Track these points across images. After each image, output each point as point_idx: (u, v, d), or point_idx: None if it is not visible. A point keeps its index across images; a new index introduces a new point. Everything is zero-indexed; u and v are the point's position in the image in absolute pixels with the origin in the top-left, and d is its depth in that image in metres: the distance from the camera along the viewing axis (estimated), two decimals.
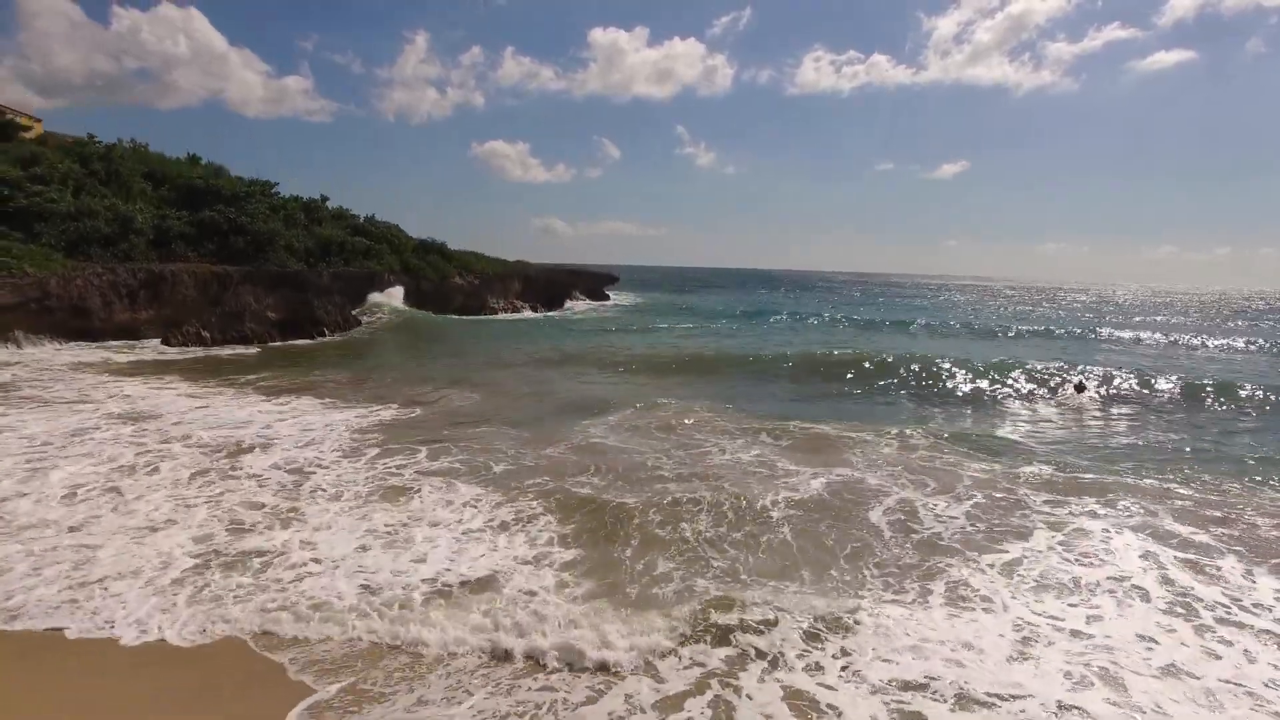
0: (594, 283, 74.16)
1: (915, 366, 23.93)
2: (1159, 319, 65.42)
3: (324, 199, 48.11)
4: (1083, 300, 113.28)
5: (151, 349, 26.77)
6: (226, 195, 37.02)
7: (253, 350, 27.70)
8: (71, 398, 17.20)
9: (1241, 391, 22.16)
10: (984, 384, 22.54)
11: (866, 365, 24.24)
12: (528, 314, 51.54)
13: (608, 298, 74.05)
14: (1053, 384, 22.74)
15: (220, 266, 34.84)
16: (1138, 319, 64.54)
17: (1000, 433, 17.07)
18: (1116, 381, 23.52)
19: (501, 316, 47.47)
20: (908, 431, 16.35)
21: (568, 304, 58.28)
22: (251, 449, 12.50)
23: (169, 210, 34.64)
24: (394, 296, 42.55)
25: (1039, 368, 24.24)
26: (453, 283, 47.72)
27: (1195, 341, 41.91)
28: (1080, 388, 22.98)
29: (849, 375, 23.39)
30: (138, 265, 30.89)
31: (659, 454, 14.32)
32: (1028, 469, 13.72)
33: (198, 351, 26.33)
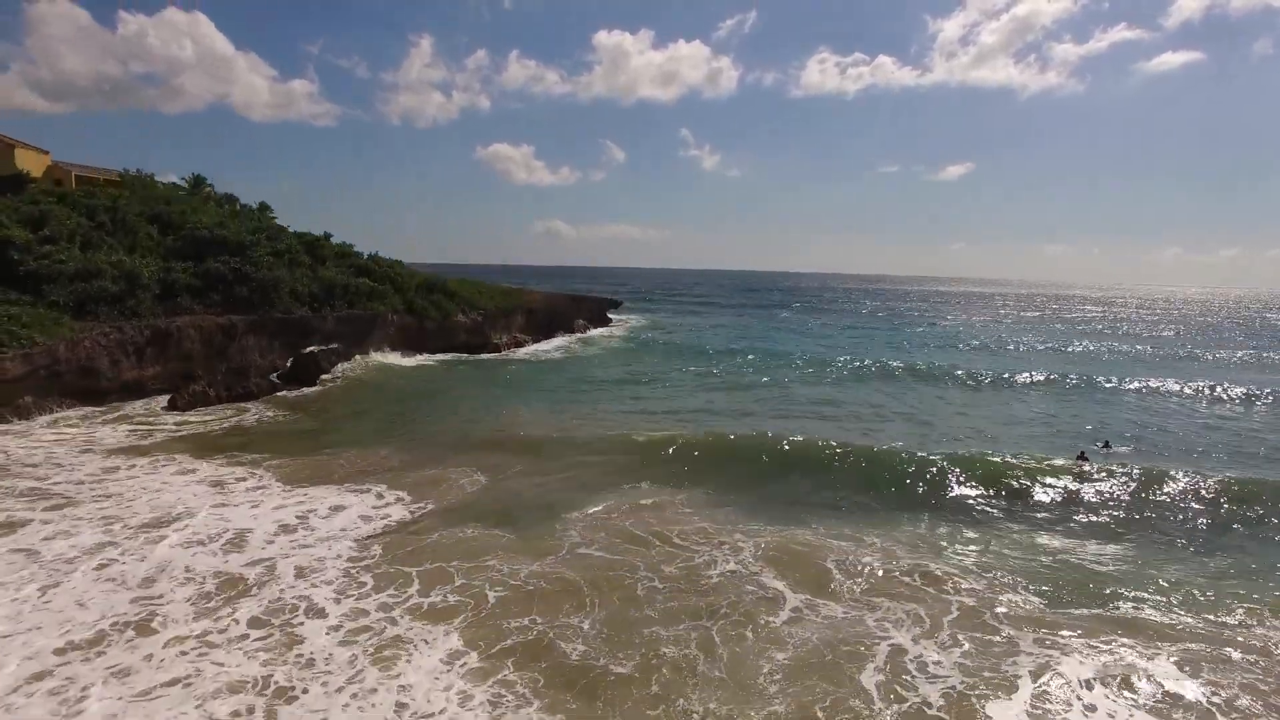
0: (596, 308, 74.48)
1: (914, 465, 21.33)
2: (1179, 351, 60.83)
3: (327, 236, 48.53)
4: (1097, 317, 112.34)
5: (159, 412, 27.06)
6: (232, 244, 37.32)
7: (261, 413, 27.91)
8: (90, 495, 17.68)
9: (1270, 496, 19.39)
10: (980, 483, 20.29)
11: (864, 462, 21.84)
12: (530, 347, 51.79)
13: (610, 321, 74.47)
14: (1050, 479, 20.55)
15: (225, 317, 35.17)
16: (1158, 352, 59.90)
17: (991, 543, 16.67)
18: (1128, 464, 21.61)
19: (503, 356, 47.60)
20: (895, 545, 16.32)
21: (570, 335, 58.36)
22: (249, 589, 12.66)
23: (174, 263, 34.95)
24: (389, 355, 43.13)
25: (1039, 460, 21.88)
26: (456, 321, 47.97)
27: (1226, 395, 37.39)
28: (1083, 457, 22.71)
29: (846, 468, 21.47)
30: (144, 322, 31.21)
31: (648, 572, 14.49)
32: (1016, 597, 13.73)
33: (206, 418, 26.52)
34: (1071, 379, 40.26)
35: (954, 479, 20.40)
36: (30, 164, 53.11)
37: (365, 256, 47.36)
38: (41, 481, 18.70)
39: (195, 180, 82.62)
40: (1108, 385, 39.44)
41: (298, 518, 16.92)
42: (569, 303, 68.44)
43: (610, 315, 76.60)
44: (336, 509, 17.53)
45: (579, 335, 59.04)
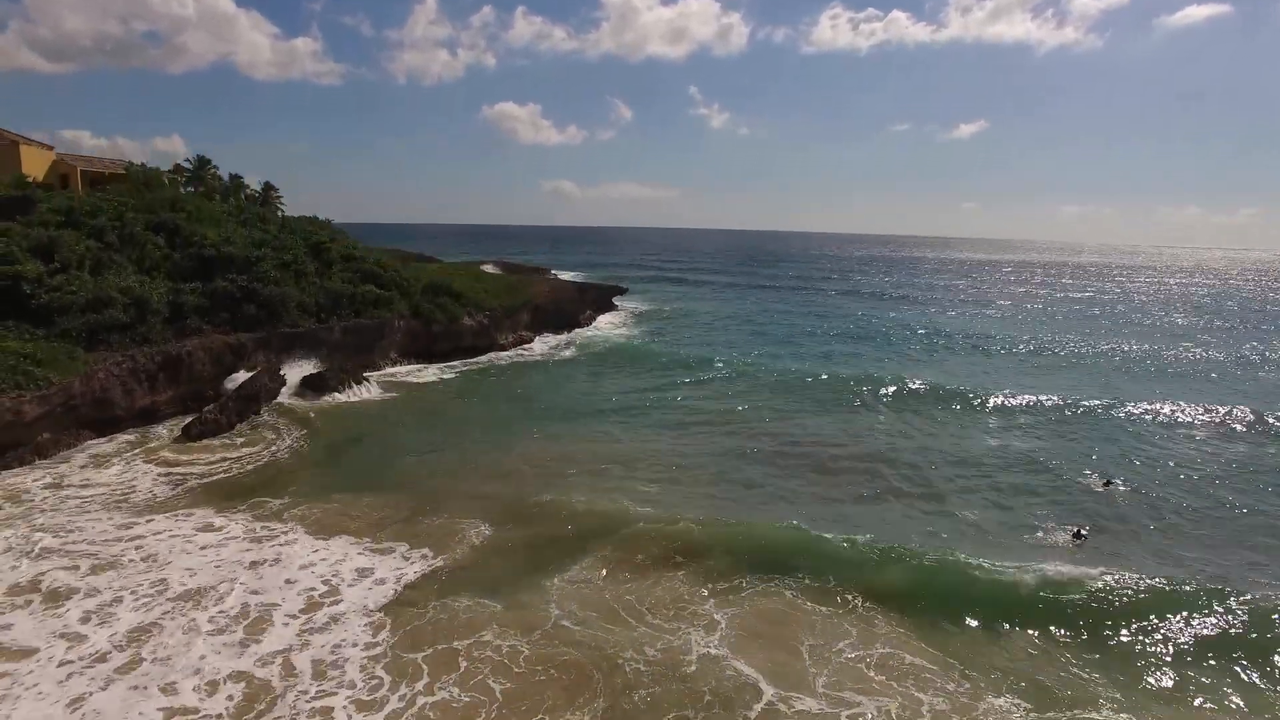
0: (601, 296, 74.90)
1: (897, 559, 19.79)
2: (1206, 354, 55.60)
3: (331, 238, 48.64)
4: (1117, 299, 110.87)
5: (181, 448, 27.72)
6: (239, 260, 37.62)
7: (282, 446, 28.53)
8: (127, 559, 18.92)
9: None
10: (964, 583, 18.74)
11: (844, 552, 20.22)
12: (536, 346, 52.31)
13: (615, 307, 75.03)
14: (1043, 575, 18.81)
15: (234, 336, 35.74)
16: (1184, 358, 54.46)
17: (966, 645, 16.34)
18: (1125, 559, 19.98)
19: (510, 358, 47.97)
20: (872, 632, 16.77)
21: (574, 331, 58.62)
22: (273, 698, 13.54)
23: (182, 284, 35.31)
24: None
25: (1034, 542, 21.43)
26: (462, 324, 48.38)
27: (1265, 429, 33.68)
28: (1079, 535, 21.65)
29: (823, 558, 19.89)
30: (155, 348, 31.85)
31: (633, 652, 15.39)
32: (996, 700, 14.34)
33: (227, 457, 27.07)
34: (1087, 400, 37.66)
35: (938, 577, 19.11)
36: (35, 160, 53.24)
37: (371, 260, 47.51)
38: (77, 539, 19.84)
39: (199, 162, 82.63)
40: (1123, 413, 36.07)
41: (323, 582, 18.15)
42: (575, 293, 68.59)
43: (616, 301, 76.84)
44: (362, 573, 18.64)
45: (584, 330, 59.22)
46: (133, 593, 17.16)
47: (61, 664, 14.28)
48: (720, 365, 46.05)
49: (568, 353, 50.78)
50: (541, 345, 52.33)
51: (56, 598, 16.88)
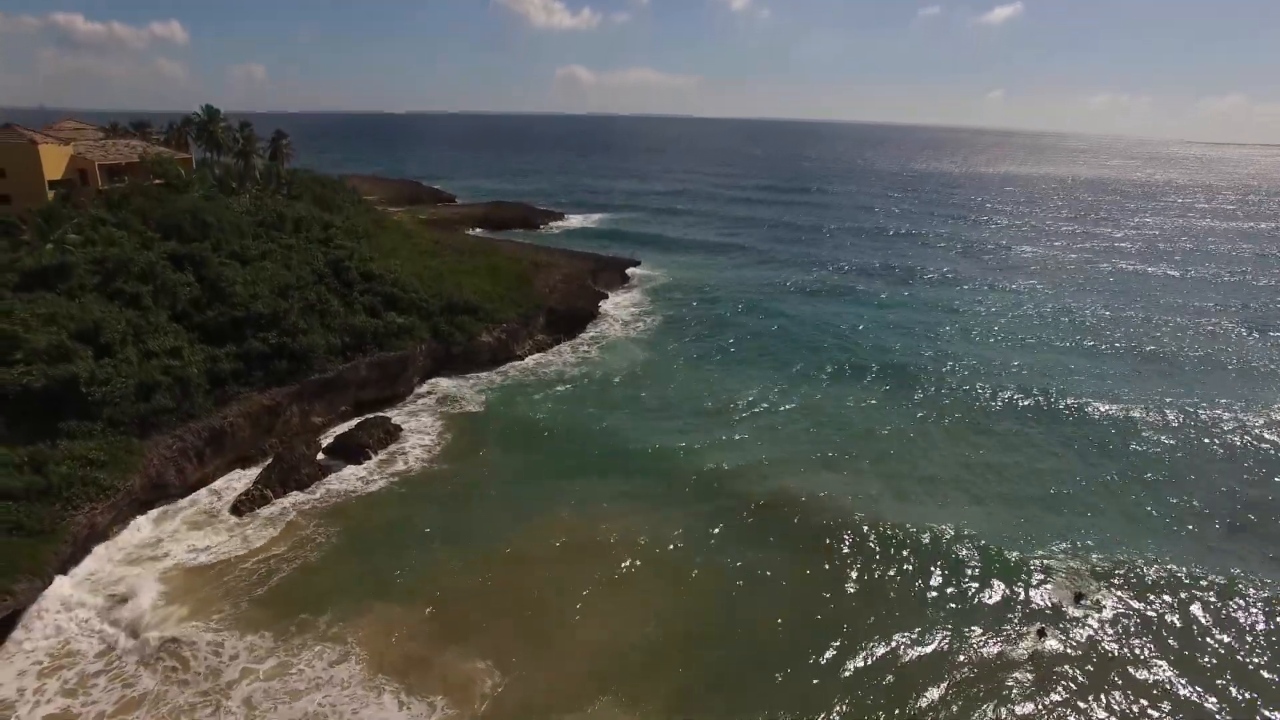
0: (616, 269, 75.67)
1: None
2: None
3: (351, 255, 49.58)
4: (1157, 281, 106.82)
5: (242, 551, 30.14)
6: (267, 317, 39.29)
7: (323, 534, 31.33)
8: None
9: None
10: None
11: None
12: (552, 360, 54.09)
13: (629, 279, 76.03)
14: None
15: (269, 394, 38.15)
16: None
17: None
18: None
19: (528, 375, 49.88)
20: None
21: (588, 330, 60.00)
22: None
23: (217, 350, 37.26)
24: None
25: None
26: (481, 341, 50.22)
27: None
28: (1042, 634, 24.86)
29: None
30: (200, 423, 34.47)
31: None
32: None
33: (278, 555, 29.96)
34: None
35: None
36: (53, 158, 53.57)
37: (389, 281, 48.63)
38: (181, 685, 23.47)
39: (209, 113, 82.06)
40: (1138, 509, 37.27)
41: None
42: (588, 274, 69.31)
43: (629, 273, 77.41)
44: None
45: (601, 331, 60.30)
46: None
47: None
48: (736, 430, 44.07)
49: (581, 370, 51.86)
50: (556, 359, 53.83)
51: None
